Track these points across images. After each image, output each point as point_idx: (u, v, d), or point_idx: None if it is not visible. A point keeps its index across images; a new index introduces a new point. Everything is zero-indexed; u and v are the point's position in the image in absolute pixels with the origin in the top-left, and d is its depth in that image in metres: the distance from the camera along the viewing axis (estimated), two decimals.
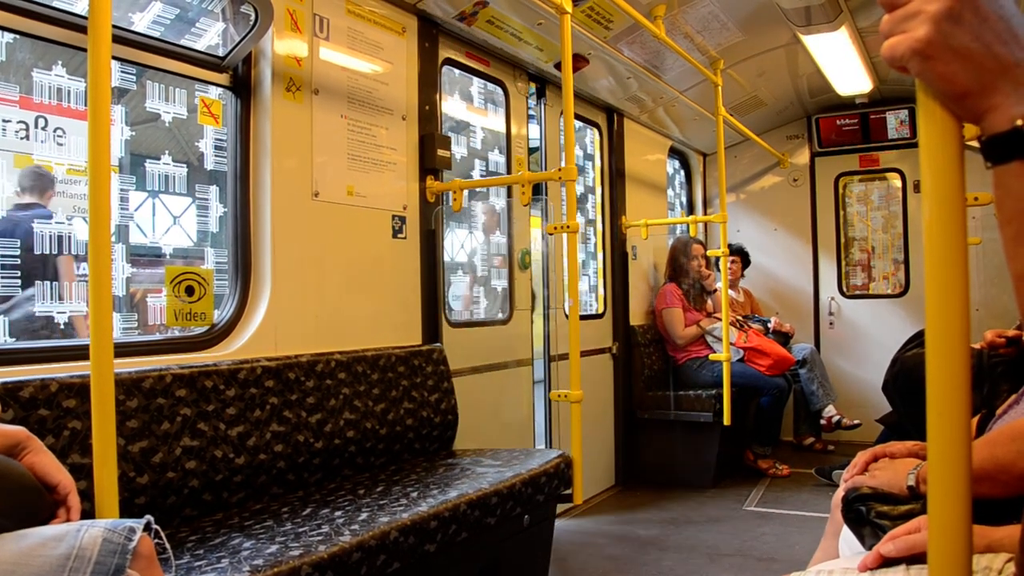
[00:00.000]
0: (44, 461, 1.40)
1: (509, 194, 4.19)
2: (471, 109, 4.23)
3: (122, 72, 2.48)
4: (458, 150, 4.11)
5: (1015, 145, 0.66)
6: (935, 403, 0.71)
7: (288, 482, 2.59)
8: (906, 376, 2.65)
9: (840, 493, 1.49)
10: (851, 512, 1.39)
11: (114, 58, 2.32)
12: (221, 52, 2.74)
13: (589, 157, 5.14)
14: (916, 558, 1.15)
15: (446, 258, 3.87)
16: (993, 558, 1.13)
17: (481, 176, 4.23)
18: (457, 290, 4.11)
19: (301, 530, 2.09)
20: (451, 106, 4.02)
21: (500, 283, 4.26)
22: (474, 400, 3.74)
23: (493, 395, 4.01)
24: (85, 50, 1.58)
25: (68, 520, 1.38)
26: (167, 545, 1.38)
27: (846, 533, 1.45)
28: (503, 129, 4.27)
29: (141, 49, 2.50)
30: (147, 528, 1.33)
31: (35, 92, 2.26)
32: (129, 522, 1.30)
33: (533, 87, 4.44)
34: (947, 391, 0.70)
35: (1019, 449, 1.25)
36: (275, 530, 2.11)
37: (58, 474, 1.40)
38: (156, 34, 2.60)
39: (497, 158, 4.33)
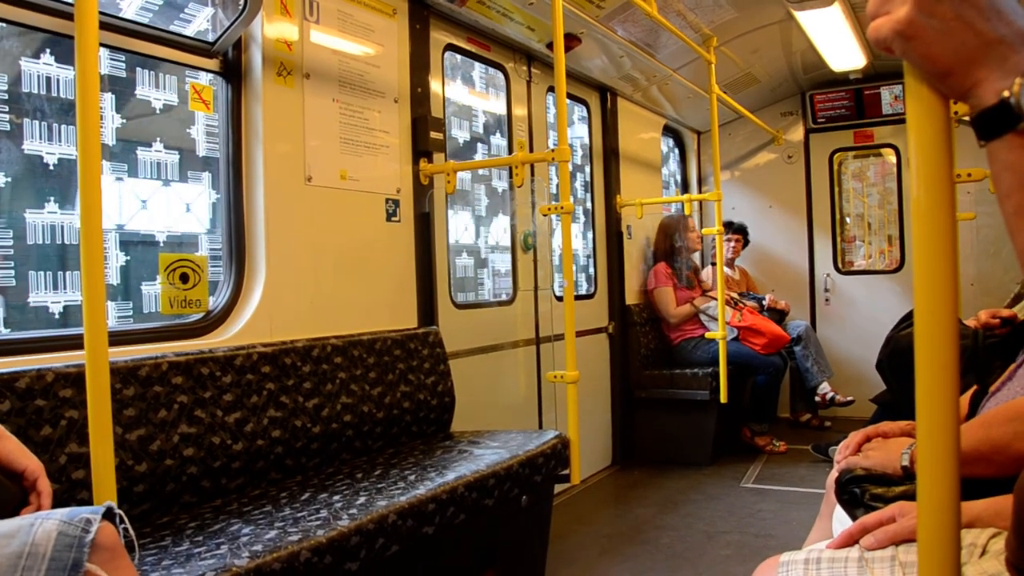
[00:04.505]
0: (7, 448, 1.35)
1: (511, 175, 4.19)
2: (473, 93, 4.22)
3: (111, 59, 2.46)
4: (461, 134, 4.10)
5: (1004, 118, 0.66)
6: (923, 382, 0.71)
7: (286, 467, 2.60)
8: (899, 355, 2.66)
9: (834, 474, 1.49)
10: (845, 494, 1.39)
11: (102, 45, 2.30)
12: (211, 37, 2.72)
13: (577, 136, 5.12)
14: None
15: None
16: (979, 534, 1.13)
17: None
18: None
19: (300, 515, 2.10)
20: (453, 90, 4.01)
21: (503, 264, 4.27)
22: (479, 381, 3.76)
23: (499, 376, 4.03)
24: (72, 37, 1.57)
25: (40, 506, 1.34)
26: (132, 534, 1.31)
27: (840, 513, 1.46)
28: (504, 112, 4.27)
29: (130, 36, 2.48)
30: (110, 516, 1.25)
31: None
32: (86, 512, 1.21)
33: (524, 66, 4.42)
34: (935, 370, 0.71)
35: (1016, 430, 1.25)
36: (274, 515, 2.12)
37: (24, 459, 1.35)
38: (145, 20, 2.57)
39: (499, 141, 4.33)
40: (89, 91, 1.56)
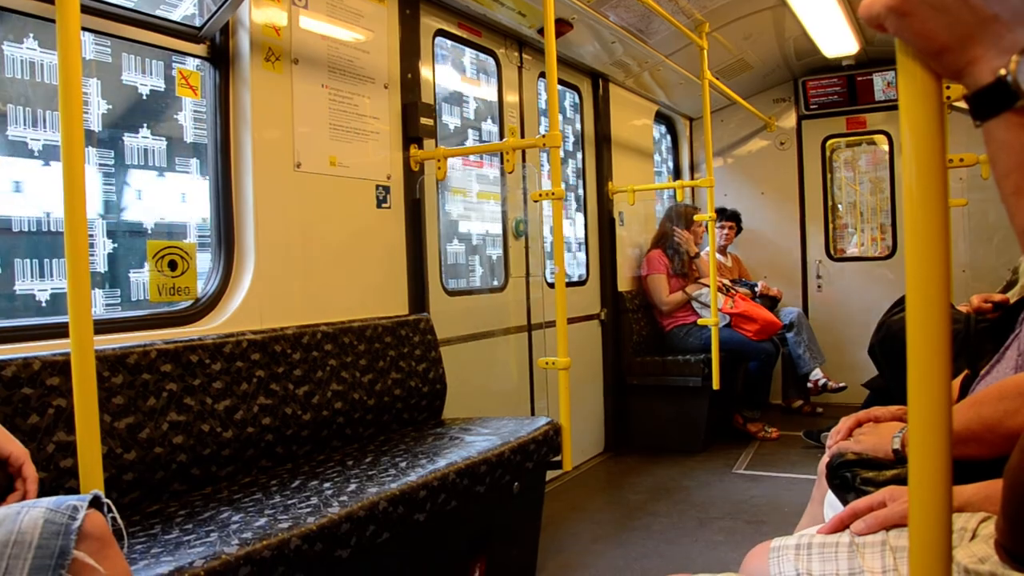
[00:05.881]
0: None
1: (502, 161, 4.17)
2: (464, 79, 4.19)
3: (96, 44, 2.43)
4: (452, 120, 4.08)
5: (1001, 96, 0.65)
6: (916, 366, 0.70)
7: (276, 455, 2.59)
8: (891, 340, 2.66)
9: (826, 459, 1.49)
10: (836, 478, 1.39)
11: (85, 29, 2.27)
12: (198, 22, 2.69)
13: (568, 121, 5.09)
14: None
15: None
16: (969, 518, 1.13)
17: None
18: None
19: (290, 502, 2.09)
20: (444, 76, 3.98)
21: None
22: (470, 368, 3.75)
23: (491, 363, 4.02)
24: (53, 21, 1.54)
25: (26, 491, 1.33)
26: (121, 523, 1.30)
27: (831, 498, 1.46)
28: (495, 98, 4.25)
29: (114, 20, 2.44)
30: (97, 504, 1.24)
31: None
32: (73, 499, 1.21)
33: (515, 51, 4.39)
34: (928, 354, 0.70)
35: (1007, 408, 1.25)
36: (264, 503, 2.11)
37: (8, 445, 1.34)
38: (130, 4, 2.54)
39: (490, 127, 4.30)
40: (72, 77, 1.53)
